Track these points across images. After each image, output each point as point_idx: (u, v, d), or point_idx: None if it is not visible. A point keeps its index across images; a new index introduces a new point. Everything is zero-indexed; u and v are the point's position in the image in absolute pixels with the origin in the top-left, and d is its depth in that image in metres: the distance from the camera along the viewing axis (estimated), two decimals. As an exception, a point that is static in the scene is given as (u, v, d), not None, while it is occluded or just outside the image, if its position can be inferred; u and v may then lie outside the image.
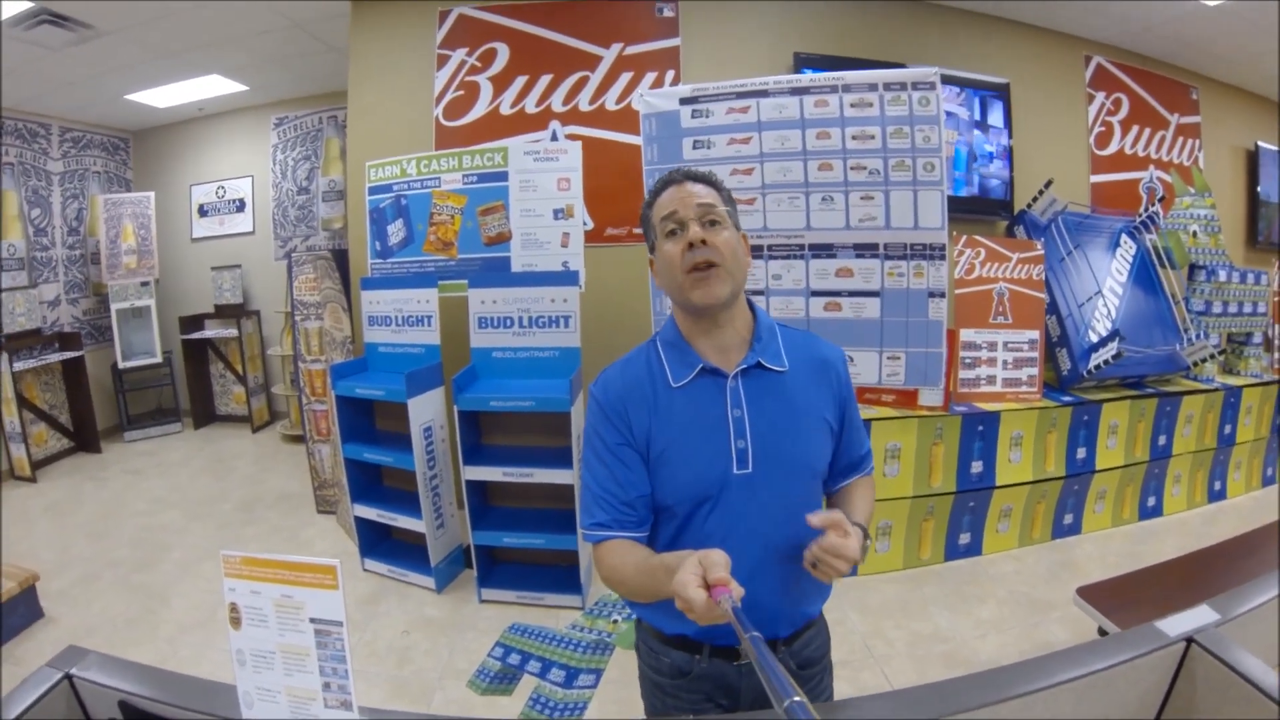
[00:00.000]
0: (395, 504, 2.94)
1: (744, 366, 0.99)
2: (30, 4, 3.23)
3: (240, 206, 5.56)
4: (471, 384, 2.70)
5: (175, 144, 5.68)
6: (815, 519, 0.89)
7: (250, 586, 0.91)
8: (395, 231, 2.99)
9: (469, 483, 2.64)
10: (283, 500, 3.97)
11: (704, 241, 0.95)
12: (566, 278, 2.69)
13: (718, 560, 0.74)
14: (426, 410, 2.78)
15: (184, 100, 5.02)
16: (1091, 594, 2.15)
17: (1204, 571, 2.30)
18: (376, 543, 3.09)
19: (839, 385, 1.06)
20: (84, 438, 5.09)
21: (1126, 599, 2.11)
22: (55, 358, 4.88)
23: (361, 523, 3.00)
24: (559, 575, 2.76)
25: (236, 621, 0.90)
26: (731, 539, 0.93)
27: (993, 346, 3.17)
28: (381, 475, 3.16)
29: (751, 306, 1.06)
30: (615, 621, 2.57)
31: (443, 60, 3.47)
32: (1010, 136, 3.85)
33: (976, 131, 3.80)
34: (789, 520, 0.96)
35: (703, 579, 0.73)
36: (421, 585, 2.87)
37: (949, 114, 3.67)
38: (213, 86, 4.79)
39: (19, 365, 4.56)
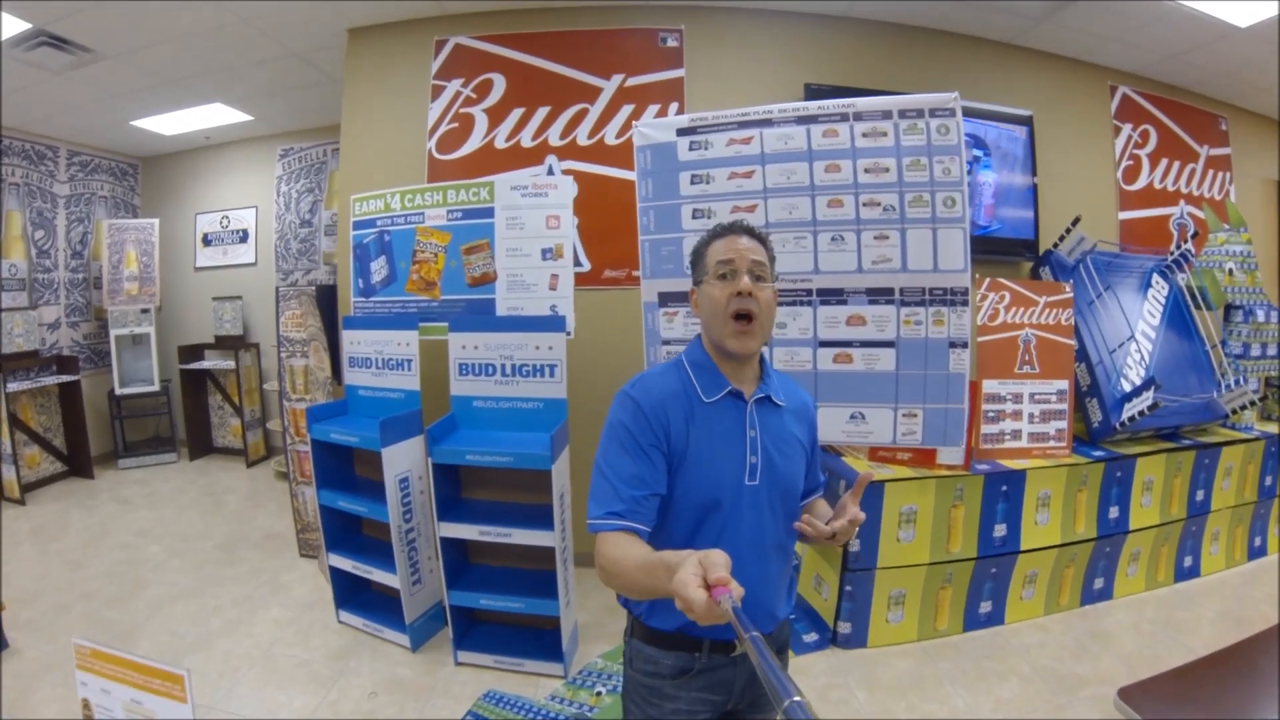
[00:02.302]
0: (373, 555, 2.78)
1: (758, 396, 1.16)
2: (29, 25, 3.22)
3: (244, 237, 5.55)
4: (449, 434, 2.53)
5: (182, 172, 5.70)
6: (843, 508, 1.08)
7: (101, 684, 0.80)
8: (378, 269, 2.85)
9: (444, 539, 2.47)
10: (268, 540, 3.84)
11: (750, 294, 1.09)
12: (553, 323, 2.51)
13: (718, 560, 0.75)
14: (403, 460, 2.62)
15: (190, 129, 5.05)
16: (1135, 697, 1.89)
17: (1260, 660, 2.04)
18: (354, 594, 2.92)
19: (810, 425, 1.26)
20: (77, 462, 5.04)
21: (1177, 701, 1.87)
22: (51, 380, 4.85)
23: (337, 573, 2.84)
24: (540, 640, 2.57)
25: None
26: (737, 542, 1.07)
27: (1018, 398, 2.95)
28: (361, 524, 3.00)
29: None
30: (598, 694, 2.36)
31: (437, 91, 3.37)
32: (1034, 171, 3.65)
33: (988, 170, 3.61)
34: (779, 530, 1.16)
35: (703, 579, 0.74)
36: (396, 643, 2.70)
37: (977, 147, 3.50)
38: (218, 115, 4.79)
39: (14, 386, 4.54)
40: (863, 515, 1.07)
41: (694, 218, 2.43)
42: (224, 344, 5.46)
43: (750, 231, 1.16)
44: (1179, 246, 3.61)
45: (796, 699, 0.59)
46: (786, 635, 1.29)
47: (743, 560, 0.86)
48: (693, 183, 2.44)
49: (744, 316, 1.10)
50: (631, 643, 1.22)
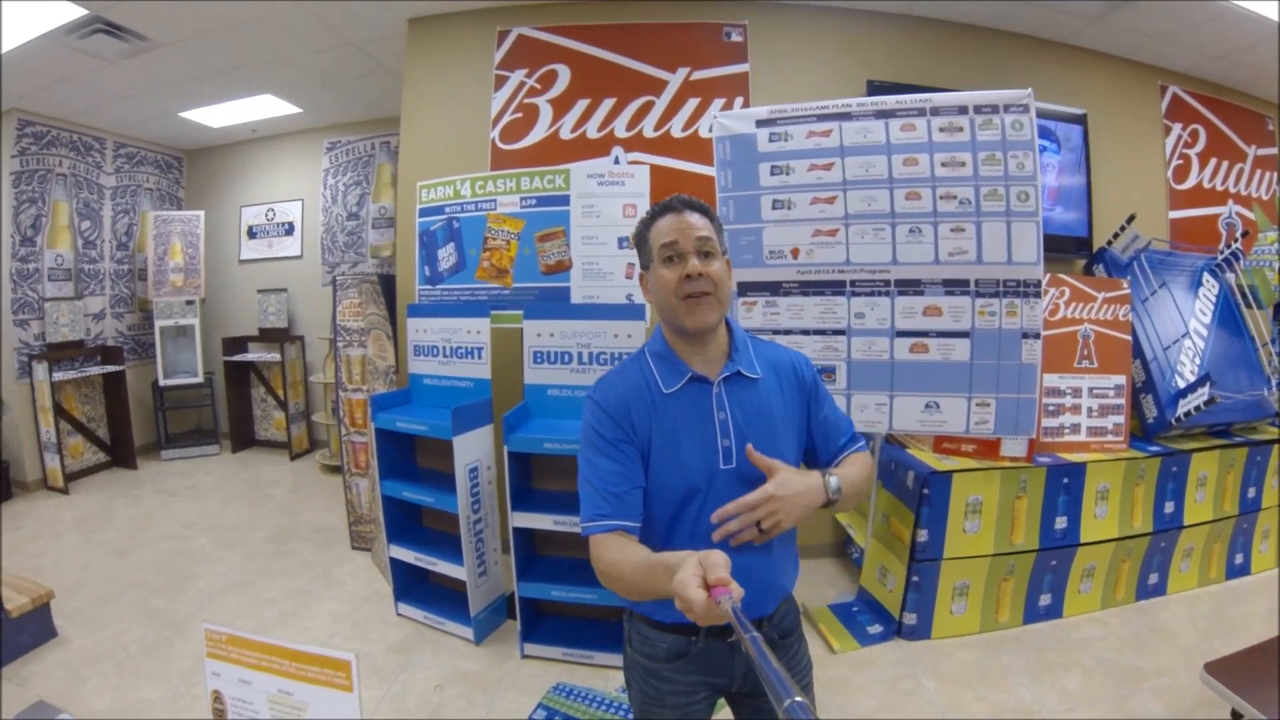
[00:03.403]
0: (435, 547, 2.77)
1: (725, 375, 1.12)
2: (85, 11, 3.22)
3: (289, 230, 5.57)
4: (524, 423, 2.53)
5: (228, 164, 5.74)
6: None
7: (239, 673, 0.76)
8: (446, 256, 2.87)
9: (516, 530, 2.46)
10: (318, 533, 3.84)
11: (701, 274, 1.06)
12: (631, 311, 2.52)
13: (718, 561, 0.75)
14: (473, 449, 2.62)
15: (237, 121, 5.08)
16: (1222, 671, 1.91)
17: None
18: (412, 586, 2.92)
19: (801, 384, 1.19)
20: (120, 453, 5.09)
21: (1260, 675, 1.89)
22: (96, 371, 4.90)
23: (397, 564, 2.84)
24: (609, 632, 2.56)
25: (220, 714, 0.75)
26: (719, 527, 1.04)
27: (1077, 392, 2.95)
28: (421, 515, 3.01)
29: (728, 323, 1.18)
30: (670, 682, 2.36)
31: (500, 81, 3.39)
32: (1088, 169, 3.66)
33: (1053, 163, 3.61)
34: None
35: (703, 579, 0.74)
36: (459, 635, 2.69)
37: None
38: (266, 107, 4.82)
39: (59, 376, 4.58)
40: (758, 502, 1.01)
41: (774, 208, 2.45)
42: (268, 336, 5.48)
43: (691, 205, 1.12)
44: (1229, 245, 3.61)
45: (797, 699, 0.59)
46: (793, 619, 1.24)
47: (726, 544, 0.86)
48: (773, 174, 2.46)
49: (697, 294, 1.07)
50: (631, 621, 1.22)
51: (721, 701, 1.28)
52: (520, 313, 2.62)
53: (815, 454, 1.21)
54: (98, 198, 5.15)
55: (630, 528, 1.05)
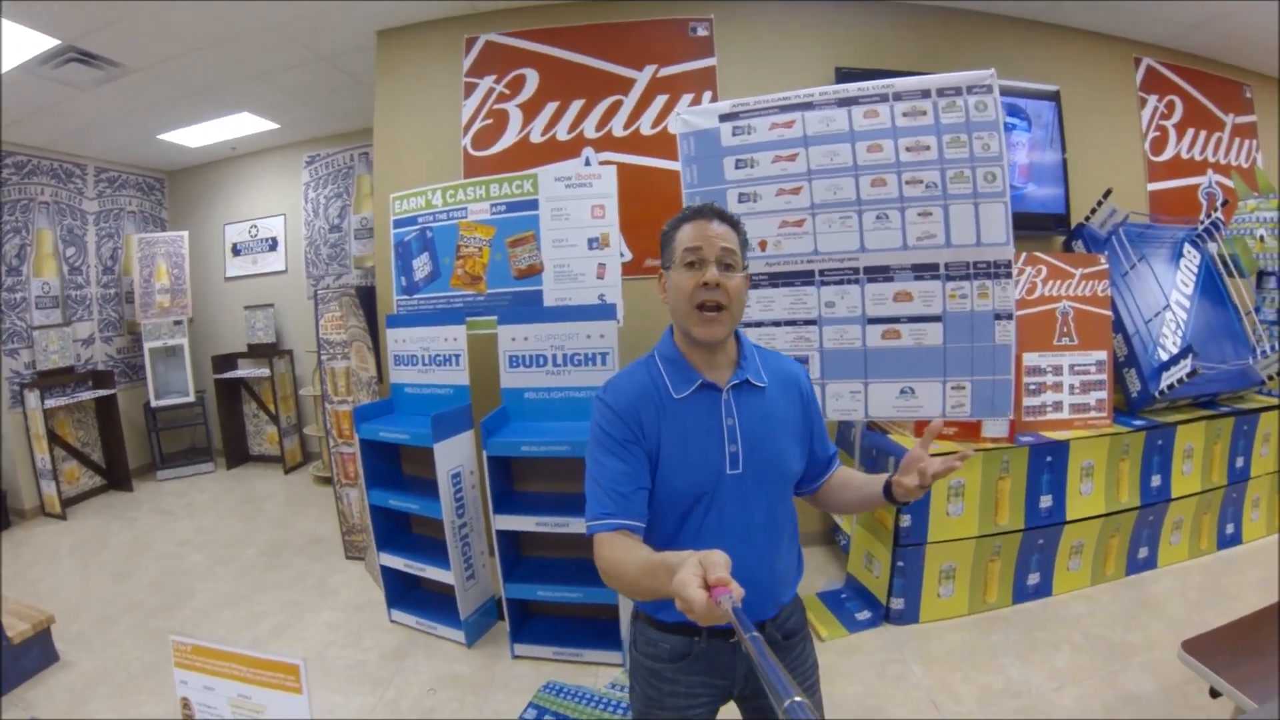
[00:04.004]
0: (424, 553, 2.80)
1: (734, 382, 1.14)
2: (57, 41, 3.25)
3: (273, 245, 5.59)
4: (502, 427, 2.56)
5: (209, 184, 5.76)
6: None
7: (203, 680, 0.80)
8: (421, 266, 2.88)
9: (500, 533, 2.49)
10: (311, 544, 3.87)
11: (718, 284, 1.07)
12: (603, 311, 2.53)
13: (718, 561, 0.75)
14: (455, 455, 2.64)
15: (216, 140, 5.09)
16: (1199, 648, 1.91)
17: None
18: (404, 593, 2.96)
19: (802, 395, 1.22)
20: (116, 476, 5.11)
21: (1239, 652, 1.88)
22: (88, 395, 4.91)
23: (388, 572, 2.87)
24: (598, 629, 2.58)
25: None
26: (724, 531, 1.09)
27: (1058, 370, 2.96)
28: (410, 522, 3.03)
29: (735, 332, 1.19)
30: (660, 678, 2.38)
31: (470, 89, 3.40)
32: (1063, 146, 3.65)
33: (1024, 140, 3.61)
34: (770, 515, 1.14)
35: (703, 579, 0.74)
36: (451, 639, 2.72)
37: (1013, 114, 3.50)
38: (244, 125, 4.83)
39: (51, 402, 4.60)
40: (938, 464, 1.06)
41: (740, 202, 2.46)
42: (257, 352, 5.50)
43: (721, 215, 1.13)
44: (1209, 215, 3.60)
45: (797, 699, 0.59)
46: (798, 620, 1.25)
47: (731, 548, 0.85)
48: (737, 167, 2.46)
49: (711, 305, 1.08)
50: (636, 623, 1.24)
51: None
52: (495, 318, 2.63)
53: (810, 461, 1.24)
54: (81, 224, 5.16)
55: (634, 527, 1.06)
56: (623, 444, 1.09)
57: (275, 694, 0.74)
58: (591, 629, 2.60)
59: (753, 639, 0.66)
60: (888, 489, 1.14)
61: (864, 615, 2.73)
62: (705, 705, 1.20)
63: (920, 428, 2.74)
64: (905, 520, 2.62)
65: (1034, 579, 2.84)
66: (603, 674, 2.46)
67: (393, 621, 2.89)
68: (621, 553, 0.99)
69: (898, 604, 2.68)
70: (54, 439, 4.63)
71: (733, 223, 1.13)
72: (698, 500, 1.09)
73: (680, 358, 1.14)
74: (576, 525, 2.42)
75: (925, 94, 2.36)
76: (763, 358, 1.20)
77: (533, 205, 2.70)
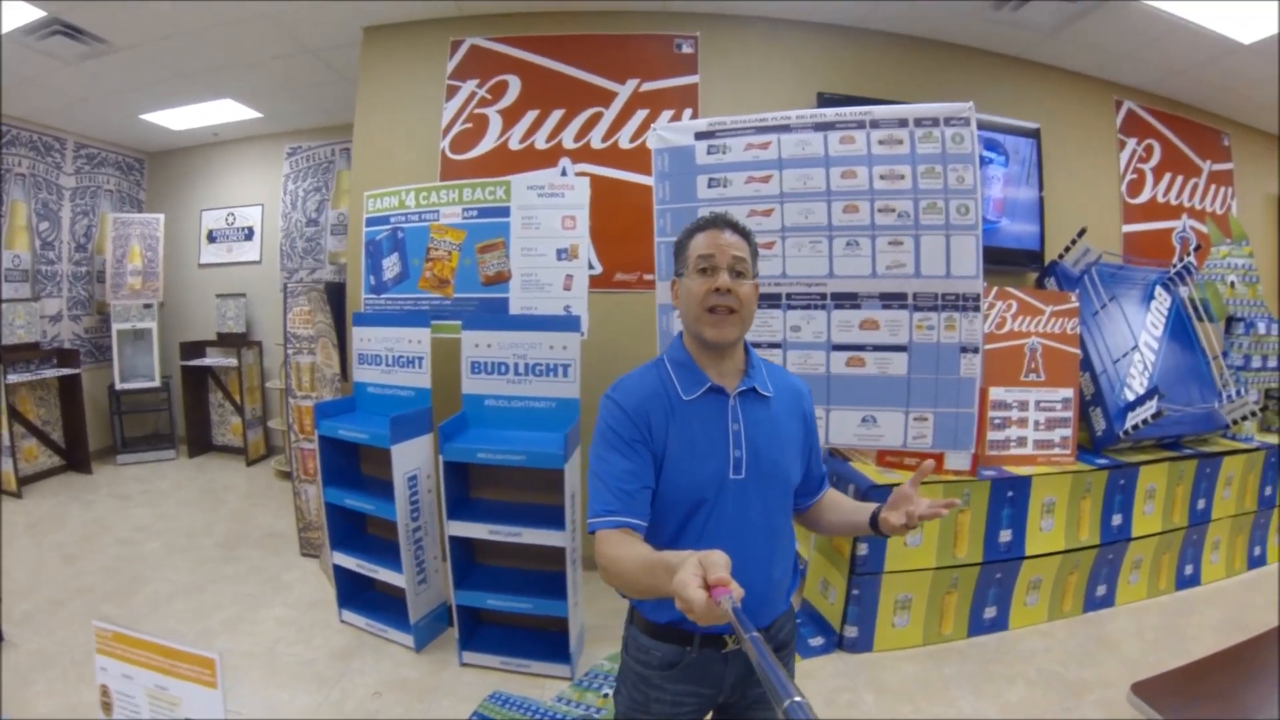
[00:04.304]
0: (377, 554, 2.76)
1: (742, 389, 1.16)
2: (43, 13, 3.20)
3: (249, 235, 5.53)
4: (460, 433, 2.52)
5: (189, 168, 5.69)
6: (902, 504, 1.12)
7: (122, 669, 0.78)
8: (390, 266, 2.85)
9: (453, 538, 2.45)
10: (268, 539, 3.81)
11: (729, 290, 1.10)
12: (567, 323, 2.51)
13: (718, 561, 0.75)
14: (412, 458, 2.61)
15: (199, 124, 5.03)
16: (1149, 691, 1.91)
17: (1267, 659, 2.06)
18: (356, 593, 2.90)
19: (804, 412, 1.24)
20: (75, 457, 5.00)
21: (1189, 695, 1.88)
22: (52, 373, 4.82)
23: (341, 572, 2.82)
24: (547, 641, 2.55)
25: (107, 708, 0.76)
26: (724, 536, 1.09)
27: (1024, 406, 2.97)
28: (365, 523, 2.98)
29: (744, 343, 1.22)
30: (605, 695, 2.35)
31: (452, 91, 3.38)
32: (1041, 183, 3.68)
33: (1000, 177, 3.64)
34: (769, 522, 1.15)
35: (703, 579, 0.74)
36: (400, 643, 2.68)
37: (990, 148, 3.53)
38: (227, 112, 4.78)
39: (14, 378, 4.51)
40: (924, 507, 1.10)
41: (711, 220, 2.44)
42: (226, 341, 5.43)
43: (734, 226, 1.16)
44: (1181, 259, 3.65)
45: (797, 699, 0.59)
46: (790, 632, 1.27)
47: (731, 552, 0.85)
48: (710, 186, 2.45)
49: (723, 308, 1.11)
50: (629, 629, 1.24)
51: None
52: (459, 323, 2.61)
53: (805, 477, 1.25)
54: (57, 198, 5.08)
55: (637, 525, 1.06)
56: (630, 443, 1.10)
57: (191, 687, 0.72)
58: (541, 641, 2.57)
59: (753, 639, 0.67)
60: (874, 521, 1.17)
61: (817, 641, 2.71)
62: (689, 714, 1.20)
63: (882, 456, 2.74)
64: (862, 549, 2.61)
65: (990, 612, 2.84)
66: (549, 686, 2.43)
67: (343, 621, 2.85)
68: (622, 550, 0.99)
69: (852, 632, 2.67)
70: (14, 415, 4.54)
71: (745, 233, 1.17)
72: (700, 503, 1.10)
73: (690, 361, 1.16)
74: (530, 535, 2.40)
75: (903, 123, 2.37)
76: (769, 371, 1.23)
77: (505, 212, 2.67)
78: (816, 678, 2.52)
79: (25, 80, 4.04)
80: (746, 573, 1.00)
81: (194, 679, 0.73)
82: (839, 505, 1.30)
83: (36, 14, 3.22)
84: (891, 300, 2.40)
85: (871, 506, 1.20)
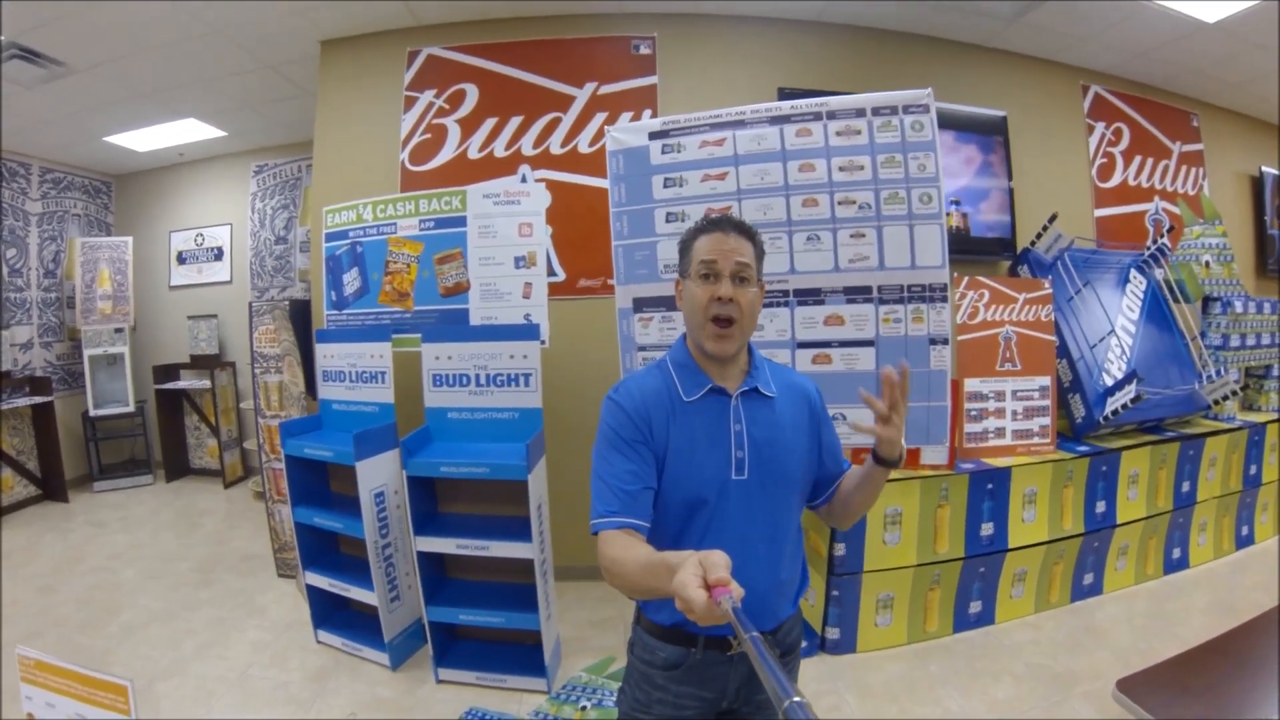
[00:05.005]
0: (350, 573, 2.71)
1: (744, 389, 1.16)
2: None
3: (219, 255, 5.48)
4: (424, 447, 2.48)
5: (156, 189, 5.63)
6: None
7: (46, 697, 0.75)
8: (350, 281, 2.81)
9: (421, 554, 2.41)
10: (245, 561, 3.75)
11: (731, 299, 1.09)
12: (527, 331, 2.47)
13: (718, 561, 0.75)
14: (378, 474, 2.57)
15: (164, 145, 4.98)
16: (1133, 688, 1.87)
17: (1256, 647, 2.02)
18: (331, 613, 2.85)
19: (813, 411, 1.22)
20: (51, 486, 4.93)
21: (1174, 690, 1.84)
22: (24, 402, 4.74)
23: (314, 591, 2.77)
24: (522, 655, 2.51)
25: None
26: (727, 537, 1.07)
27: (1000, 396, 2.94)
28: (338, 541, 2.94)
29: (748, 344, 1.21)
30: (583, 708, 2.29)
31: (410, 102, 3.34)
32: (1010, 171, 3.66)
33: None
34: (773, 524, 1.14)
35: (703, 579, 0.74)
36: (375, 661, 2.63)
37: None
38: (191, 131, 4.74)
39: (-14, 408, 4.42)
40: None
41: (668, 221, 2.40)
42: (200, 363, 5.37)
43: (739, 228, 1.15)
44: (1155, 241, 3.64)
45: (797, 699, 0.59)
46: (797, 636, 1.26)
47: (733, 554, 0.84)
48: (665, 186, 2.41)
49: (724, 320, 1.10)
50: (636, 629, 1.24)
51: None
52: (419, 336, 2.56)
53: (820, 472, 1.24)
54: (23, 224, 5.01)
55: (638, 526, 1.06)
56: (631, 444, 1.10)
57: (107, 715, 0.68)
58: (516, 655, 2.53)
59: (752, 639, 0.66)
60: (875, 456, 1.16)
61: (799, 644, 2.66)
62: (692, 717, 1.19)
63: (857, 454, 2.69)
64: (840, 549, 2.57)
65: (976, 607, 2.80)
66: (527, 700, 2.39)
67: (319, 642, 2.80)
68: (624, 551, 0.99)
69: (833, 633, 2.63)
70: (-13, 446, 4.46)
71: (750, 235, 1.15)
72: (702, 504, 1.10)
73: (692, 363, 1.17)
74: (498, 548, 2.36)
75: (860, 113, 2.34)
76: (773, 370, 1.22)
77: (461, 222, 2.64)
78: (799, 681, 2.46)
79: (-18, 106, 3.99)
80: (750, 575, 0.99)
81: (109, 706, 0.71)
82: (850, 477, 1.27)
83: (-7, 38, 3.18)
84: (856, 294, 2.36)
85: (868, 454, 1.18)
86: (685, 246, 1.18)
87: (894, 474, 2.51)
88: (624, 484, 1.07)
